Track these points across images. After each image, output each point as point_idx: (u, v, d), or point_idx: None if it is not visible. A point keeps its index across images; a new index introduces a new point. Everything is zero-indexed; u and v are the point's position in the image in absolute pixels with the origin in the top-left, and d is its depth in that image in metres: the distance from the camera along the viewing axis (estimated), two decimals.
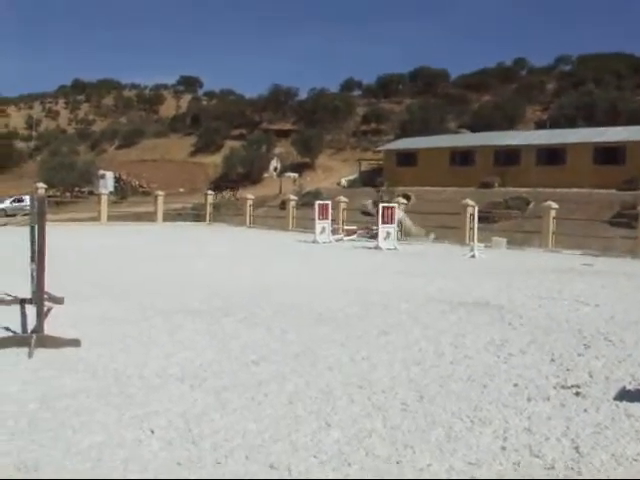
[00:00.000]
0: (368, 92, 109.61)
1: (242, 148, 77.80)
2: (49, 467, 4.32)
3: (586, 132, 49.74)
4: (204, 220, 35.81)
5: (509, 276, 14.81)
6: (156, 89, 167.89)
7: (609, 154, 44.73)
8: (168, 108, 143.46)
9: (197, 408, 5.45)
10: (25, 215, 24.84)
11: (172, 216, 38.30)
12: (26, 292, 9.15)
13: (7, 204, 59.23)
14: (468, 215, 24.42)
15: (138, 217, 39.99)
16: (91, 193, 65.40)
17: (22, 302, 9.33)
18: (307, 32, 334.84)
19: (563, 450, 4.73)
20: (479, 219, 22.58)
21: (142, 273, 14.45)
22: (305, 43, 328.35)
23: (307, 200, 37.84)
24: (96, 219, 33.60)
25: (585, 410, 5.56)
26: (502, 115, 69.43)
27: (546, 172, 45.49)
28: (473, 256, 19.28)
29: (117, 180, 77.14)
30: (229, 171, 74.44)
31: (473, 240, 20.89)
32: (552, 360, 7.20)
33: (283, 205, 35.99)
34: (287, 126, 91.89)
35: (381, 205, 23.36)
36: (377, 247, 21.55)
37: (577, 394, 5.98)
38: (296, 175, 68.02)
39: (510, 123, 67.97)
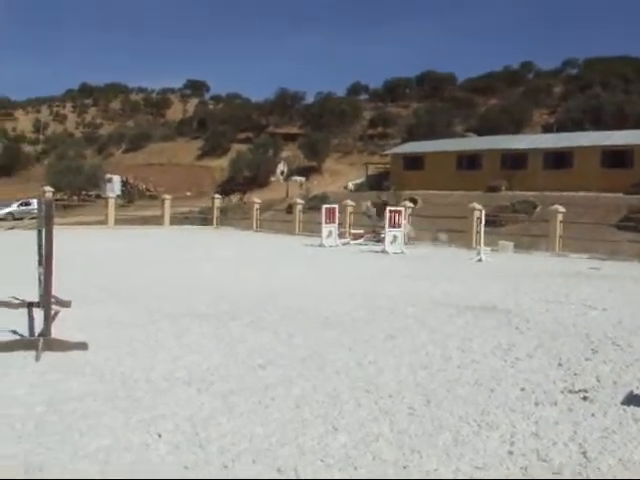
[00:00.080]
0: (375, 96, 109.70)
1: (249, 152, 77.86)
2: (56, 470, 4.33)
3: (593, 135, 49.59)
4: (211, 224, 35.84)
5: (516, 280, 14.78)
6: (163, 93, 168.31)
7: (616, 158, 44.60)
8: (175, 112, 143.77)
9: (204, 412, 5.45)
10: (32, 219, 24.90)
11: (179, 220, 38.38)
12: (33, 295, 9.17)
13: (14, 208, 59.35)
14: (475, 219, 24.39)
15: (145, 221, 40.07)
16: (98, 197, 65.59)
17: (29, 305, 9.34)
18: (313, 36, 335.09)
19: (570, 455, 4.72)
20: (486, 223, 22.55)
21: (149, 277, 14.47)
22: (312, 47, 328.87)
23: (314, 204, 37.80)
24: (103, 223, 33.67)
25: (592, 415, 5.54)
26: (509, 119, 69.36)
27: (553, 176, 45.38)
28: (480, 260, 19.26)
29: (124, 184, 77.30)
30: (236, 175, 74.51)
31: (480, 244, 20.86)
32: (559, 364, 7.18)
33: (290, 209, 35.99)
34: (294, 130, 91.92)
35: (388, 209, 23.33)
36: (384, 251, 21.55)
37: (584, 399, 5.97)
38: (303, 179, 68.05)
39: (517, 127, 67.86)
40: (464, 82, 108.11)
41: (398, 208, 24.02)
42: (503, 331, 8.93)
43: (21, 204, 59.10)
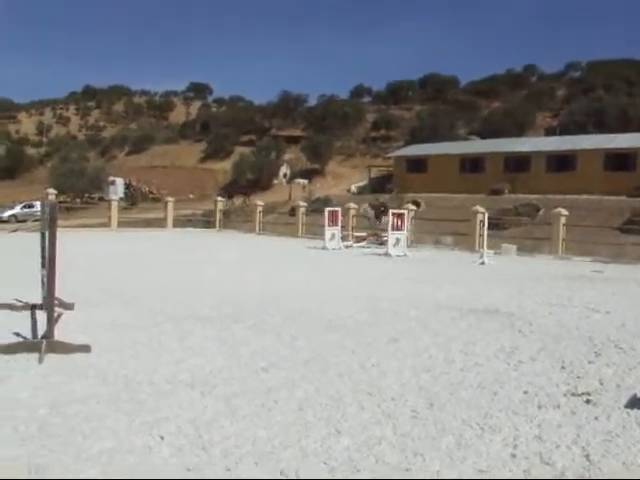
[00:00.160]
0: (378, 98, 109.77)
1: (252, 154, 77.91)
2: (59, 472, 4.33)
3: (596, 138, 49.58)
4: (214, 226, 35.86)
5: (519, 283, 14.77)
6: (166, 96, 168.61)
7: (619, 160, 44.59)
8: (178, 114, 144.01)
9: (207, 414, 5.45)
10: (36, 221, 24.93)
11: (182, 222, 38.40)
12: (37, 298, 9.19)
13: (18, 210, 59.46)
14: (478, 222, 24.39)
15: (148, 223, 40.11)
16: (101, 199, 65.71)
17: (33, 308, 9.36)
18: (316, 39, 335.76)
19: (573, 458, 4.71)
20: (489, 226, 22.54)
21: (152, 279, 14.48)
22: (314, 50, 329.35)
23: (317, 207, 37.83)
24: (106, 225, 33.69)
25: (596, 418, 5.54)
26: (512, 122, 69.37)
27: (556, 179, 45.37)
28: (483, 263, 19.24)
29: (127, 186, 77.37)
30: (239, 177, 74.59)
31: (483, 247, 20.86)
32: (562, 367, 7.18)
33: (293, 212, 35.97)
34: (297, 132, 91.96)
35: (390, 212, 23.32)
36: (387, 254, 21.54)
37: (588, 402, 5.96)
38: (306, 181, 68.08)
39: (520, 130, 67.91)
40: (467, 85, 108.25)
41: (401, 211, 24.01)
42: (506, 334, 8.92)
43: (24, 206, 59.21)
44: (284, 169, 76.06)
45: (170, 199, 36.76)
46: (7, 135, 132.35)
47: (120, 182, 76.55)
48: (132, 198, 71.81)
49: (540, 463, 4.62)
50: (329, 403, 5.79)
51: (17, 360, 6.99)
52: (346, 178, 70.02)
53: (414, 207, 30.41)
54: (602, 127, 57.22)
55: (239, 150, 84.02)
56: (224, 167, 79.81)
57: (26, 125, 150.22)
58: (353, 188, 61.44)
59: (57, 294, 8.02)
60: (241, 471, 4.42)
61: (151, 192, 76.15)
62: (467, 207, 28.20)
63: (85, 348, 7.38)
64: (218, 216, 36.32)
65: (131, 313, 9.96)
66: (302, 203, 34.34)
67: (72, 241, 20.77)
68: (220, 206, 37.02)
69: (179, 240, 28.04)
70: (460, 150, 55.15)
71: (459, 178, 50.97)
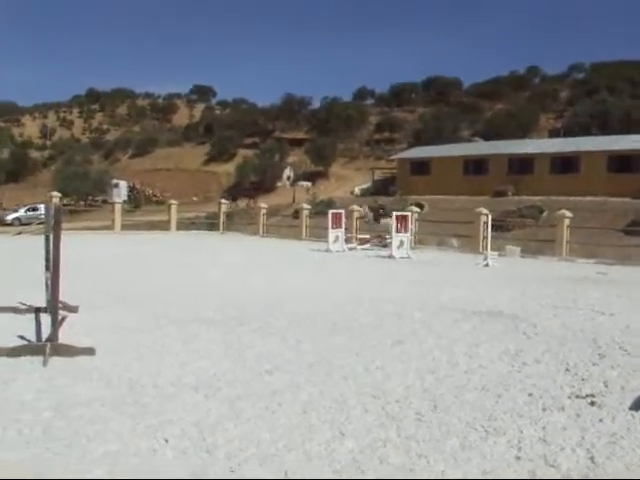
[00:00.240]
0: (381, 101, 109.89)
1: (255, 157, 78.03)
2: (64, 475, 4.33)
3: (600, 140, 49.52)
4: (218, 229, 35.87)
5: (523, 285, 14.75)
6: (169, 98, 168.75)
7: (623, 162, 44.49)
8: (181, 117, 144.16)
9: (211, 417, 5.45)
10: (40, 224, 24.96)
11: (186, 225, 38.42)
12: (41, 301, 9.19)
13: (22, 213, 59.57)
14: (482, 224, 24.38)
15: (152, 226, 40.09)
16: (105, 202, 65.76)
17: (37, 311, 9.34)
18: (319, 41, 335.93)
19: (578, 460, 4.71)
20: (493, 228, 22.54)
21: (156, 282, 14.48)
22: (317, 52, 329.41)
23: (320, 209, 37.81)
24: (110, 228, 33.71)
25: (600, 420, 5.53)
26: (515, 123, 69.37)
27: (560, 180, 45.30)
28: (487, 265, 19.23)
29: (131, 189, 77.51)
30: (242, 180, 74.67)
31: (487, 249, 20.84)
32: (567, 370, 7.17)
33: (296, 214, 35.98)
34: (300, 135, 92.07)
35: (394, 214, 23.31)
36: (390, 256, 21.53)
37: (592, 404, 5.95)
38: (309, 184, 68.18)
39: (523, 131, 67.90)
40: (470, 87, 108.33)
41: (404, 213, 24.00)
42: (510, 336, 8.91)
43: (28, 209, 59.30)
44: (288, 172, 76.17)
45: (174, 202, 36.80)
46: (11, 138, 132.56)
47: (124, 185, 76.71)
48: (136, 201, 71.89)
49: (545, 465, 4.61)
50: (333, 406, 5.79)
51: (21, 363, 7.00)
52: (350, 180, 70.07)
53: (418, 209, 30.41)
54: (606, 129, 57.17)
55: (242, 153, 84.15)
56: (227, 170, 79.92)
57: (30, 128, 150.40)
58: (357, 190, 61.45)
59: (61, 297, 8.03)
60: (245, 473, 4.42)
61: (154, 195, 76.25)
62: (471, 209, 28.20)
63: (89, 351, 7.39)
64: (222, 219, 36.33)
65: (135, 316, 9.97)
66: (306, 205, 34.34)
67: (76, 244, 20.79)
68: (224, 209, 37.02)
69: (183, 243, 28.06)
70: (463, 152, 55.11)
71: (463, 180, 50.93)
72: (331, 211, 25.73)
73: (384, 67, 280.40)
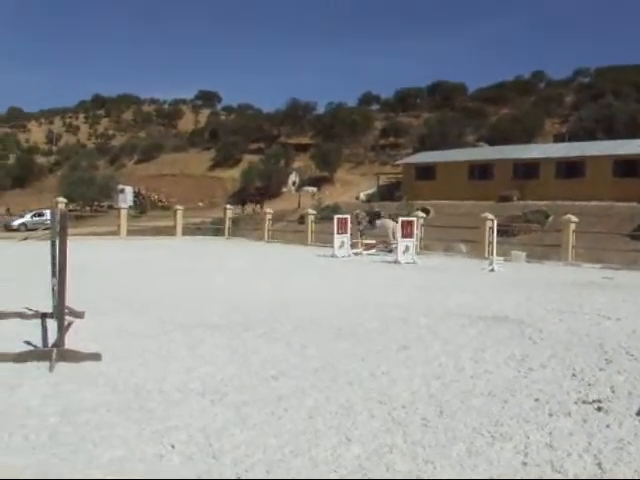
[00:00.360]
0: (386, 106, 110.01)
1: (260, 162, 78.19)
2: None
3: (605, 145, 49.50)
4: (223, 234, 35.89)
5: (529, 290, 14.73)
6: (175, 104, 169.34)
7: (629, 167, 44.48)
8: (187, 123, 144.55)
9: (217, 423, 5.45)
10: (46, 229, 25.01)
11: (191, 230, 38.47)
12: (47, 306, 9.21)
13: (28, 218, 59.76)
14: (487, 229, 24.35)
15: (157, 231, 40.19)
16: (111, 207, 65.96)
17: (43, 316, 9.39)
18: (325, 46, 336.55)
19: (585, 466, 4.69)
20: (498, 233, 22.53)
21: (161, 287, 14.49)
22: (323, 57, 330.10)
23: (326, 214, 37.84)
24: (116, 233, 33.75)
25: (607, 425, 5.51)
26: (520, 128, 69.40)
27: (565, 185, 45.30)
28: (492, 270, 19.20)
29: (136, 194, 77.75)
30: (247, 185, 74.79)
31: (492, 254, 20.82)
32: (573, 375, 7.15)
33: (302, 219, 35.98)
34: (305, 140, 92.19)
35: (400, 219, 23.30)
36: (396, 261, 21.51)
37: (599, 409, 5.93)
38: (315, 189, 68.21)
39: (529, 136, 67.91)
40: (475, 92, 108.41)
41: (410, 218, 23.99)
42: (516, 341, 8.90)
43: (34, 215, 59.51)
44: (293, 177, 76.24)
45: (179, 207, 36.82)
46: (17, 144, 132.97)
47: (129, 190, 76.95)
48: (141, 206, 72.12)
49: (551, 471, 4.60)
50: (339, 411, 5.78)
51: (28, 368, 7.01)
52: (355, 185, 70.11)
53: (423, 214, 30.38)
54: (611, 133, 57.17)
55: (248, 158, 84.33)
56: (233, 175, 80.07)
57: (36, 134, 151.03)
58: (362, 196, 61.48)
59: (67, 302, 8.04)
60: (251, 479, 4.42)
61: (160, 200, 76.46)
62: (476, 214, 28.16)
63: (95, 356, 7.39)
64: (227, 224, 36.35)
65: (141, 321, 9.97)
66: (311, 211, 34.34)
67: (82, 249, 20.82)
68: (229, 214, 37.05)
69: (188, 248, 28.08)
70: (469, 157, 55.14)
71: (468, 185, 50.95)
72: (336, 216, 25.70)
73: (389, 72, 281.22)
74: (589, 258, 23.18)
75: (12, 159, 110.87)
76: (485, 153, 57.12)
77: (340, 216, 25.81)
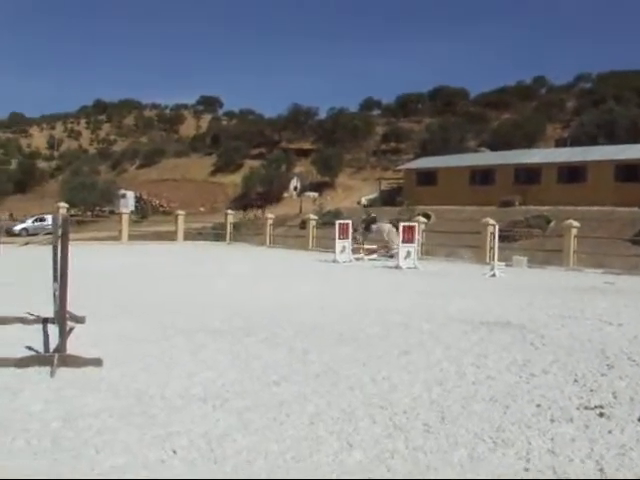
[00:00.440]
0: (387, 111, 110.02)
1: (262, 167, 78.19)
2: None
3: (607, 150, 49.45)
4: (224, 239, 35.91)
5: (530, 295, 14.72)
6: (176, 109, 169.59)
7: (631, 172, 44.41)
8: (188, 128, 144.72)
9: (219, 428, 5.44)
10: (47, 234, 25.03)
11: (193, 235, 38.50)
12: (48, 311, 9.21)
13: (29, 223, 59.85)
14: (489, 234, 24.36)
15: (159, 236, 40.21)
16: (112, 212, 65.98)
17: (44, 321, 9.38)
18: (326, 52, 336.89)
19: (587, 472, 4.69)
20: (500, 238, 22.52)
21: (163, 292, 14.49)
22: (324, 62, 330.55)
23: (327, 219, 37.88)
24: (117, 238, 33.80)
25: (609, 431, 5.50)
26: (522, 133, 69.38)
27: (567, 190, 45.24)
28: (494, 275, 19.20)
29: (138, 199, 77.76)
30: (249, 191, 74.77)
31: (494, 259, 20.83)
32: (575, 380, 7.14)
33: (303, 224, 35.99)
34: (307, 145, 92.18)
35: (401, 224, 23.31)
36: (397, 266, 21.52)
37: (601, 415, 5.93)
38: (316, 194, 68.23)
39: (530, 141, 67.86)
40: (477, 97, 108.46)
41: (411, 224, 23.99)
42: (518, 347, 8.89)
43: (35, 220, 59.60)
44: (294, 182, 76.26)
45: (181, 212, 36.86)
46: (19, 149, 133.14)
47: (131, 195, 76.98)
48: (143, 211, 72.17)
49: (554, 477, 4.59)
50: (341, 417, 5.78)
51: (29, 374, 7.01)
52: (356, 191, 70.10)
53: (425, 220, 30.38)
54: (613, 138, 57.12)
55: (249, 163, 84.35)
56: (234, 180, 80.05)
57: (37, 139, 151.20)
58: (363, 201, 61.46)
59: (68, 307, 8.04)
60: None
61: (161, 205, 76.49)
62: (477, 219, 28.17)
63: (97, 362, 7.39)
64: (229, 229, 36.36)
65: (142, 326, 9.96)
66: (313, 216, 34.37)
67: (83, 254, 20.82)
68: (231, 219, 37.07)
69: (190, 253, 28.09)
70: (470, 162, 55.11)
71: (469, 190, 50.91)
72: (338, 221, 25.73)
73: (390, 77, 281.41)
74: (591, 263, 23.17)
75: (14, 164, 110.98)
76: (486, 158, 57.11)
77: (341, 221, 25.85)
